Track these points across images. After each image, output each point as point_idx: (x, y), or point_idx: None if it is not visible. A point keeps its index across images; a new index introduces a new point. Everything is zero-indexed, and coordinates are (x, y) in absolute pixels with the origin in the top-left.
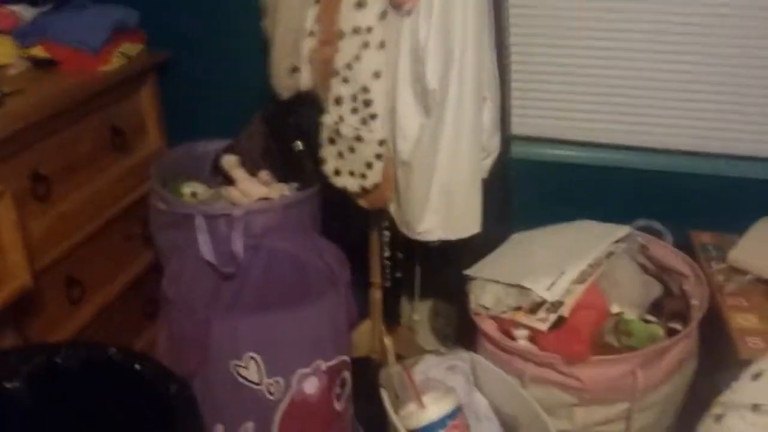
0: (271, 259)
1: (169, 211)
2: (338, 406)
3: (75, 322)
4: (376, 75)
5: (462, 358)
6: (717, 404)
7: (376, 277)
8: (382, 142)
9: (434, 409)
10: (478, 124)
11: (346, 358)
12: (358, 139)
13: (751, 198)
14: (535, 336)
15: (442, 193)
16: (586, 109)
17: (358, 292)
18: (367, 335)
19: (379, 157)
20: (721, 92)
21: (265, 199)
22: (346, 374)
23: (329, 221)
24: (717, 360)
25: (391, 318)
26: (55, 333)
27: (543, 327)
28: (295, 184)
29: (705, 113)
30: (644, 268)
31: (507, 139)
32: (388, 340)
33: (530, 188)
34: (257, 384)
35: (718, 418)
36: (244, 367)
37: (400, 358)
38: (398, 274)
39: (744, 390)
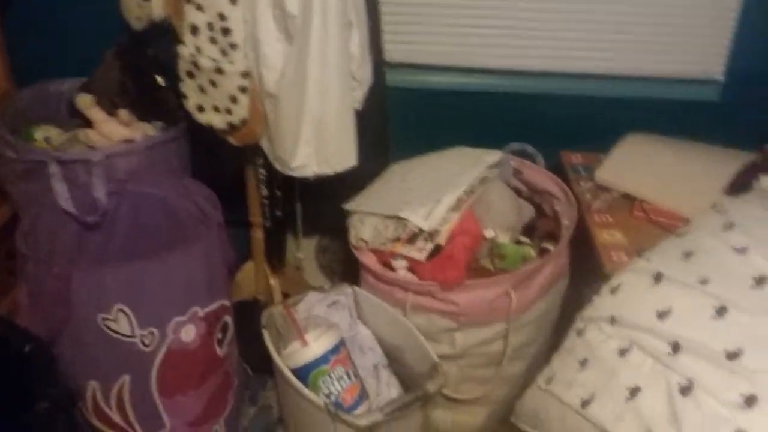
0: (138, 204)
1: (20, 159)
2: (220, 351)
3: None
4: (233, 0)
5: (345, 292)
6: (579, 318)
7: (255, 216)
8: (245, 74)
9: (317, 345)
10: (346, 52)
11: (225, 302)
12: (219, 71)
13: (619, 116)
14: (414, 265)
15: (314, 125)
16: (456, 32)
17: (240, 233)
18: (251, 277)
19: (243, 90)
20: (583, 12)
21: (128, 140)
22: (228, 318)
23: (200, 161)
24: (587, 276)
25: (277, 258)
26: None
27: (421, 256)
28: (159, 123)
29: (569, 33)
30: (518, 192)
31: (381, 67)
32: (273, 280)
33: (407, 117)
34: (129, 336)
35: (580, 331)
36: (112, 320)
37: (288, 297)
38: (278, 213)
39: (603, 304)
